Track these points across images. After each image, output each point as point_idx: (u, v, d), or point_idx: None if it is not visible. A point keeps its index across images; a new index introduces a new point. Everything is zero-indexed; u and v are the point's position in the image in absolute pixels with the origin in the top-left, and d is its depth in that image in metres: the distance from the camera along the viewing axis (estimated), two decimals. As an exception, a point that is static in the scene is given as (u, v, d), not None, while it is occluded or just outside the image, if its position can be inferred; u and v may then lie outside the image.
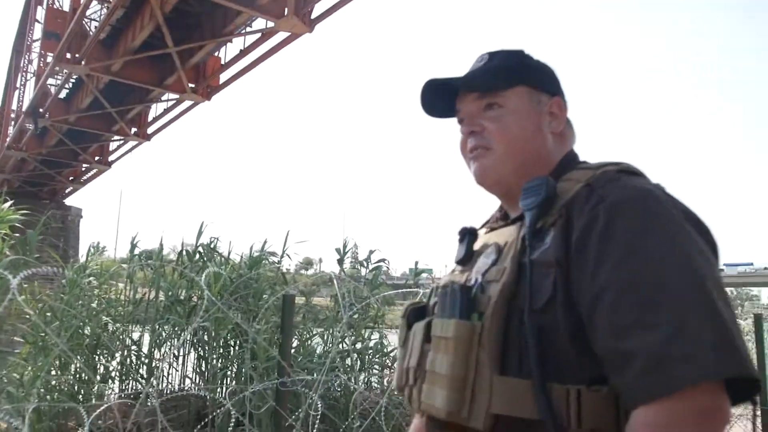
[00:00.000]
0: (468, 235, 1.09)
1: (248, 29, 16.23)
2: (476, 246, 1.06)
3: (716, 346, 0.71)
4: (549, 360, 0.80)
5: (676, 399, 0.70)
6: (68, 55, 17.17)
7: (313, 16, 14.42)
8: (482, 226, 1.12)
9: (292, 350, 4.57)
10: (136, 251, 6.25)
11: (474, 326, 0.86)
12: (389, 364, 5.31)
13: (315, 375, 3.45)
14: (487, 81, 1.04)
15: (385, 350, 5.44)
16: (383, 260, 6.43)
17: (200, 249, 5.76)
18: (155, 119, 23.06)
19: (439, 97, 1.09)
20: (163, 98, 20.81)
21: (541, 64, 1.10)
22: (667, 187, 0.95)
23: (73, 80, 21.25)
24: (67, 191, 32.37)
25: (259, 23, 15.55)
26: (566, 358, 0.80)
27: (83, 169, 29.54)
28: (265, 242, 6.10)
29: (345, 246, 6.17)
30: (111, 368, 5.09)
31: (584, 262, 0.81)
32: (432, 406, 0.89)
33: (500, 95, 1.03)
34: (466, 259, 1.06)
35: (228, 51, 18.31)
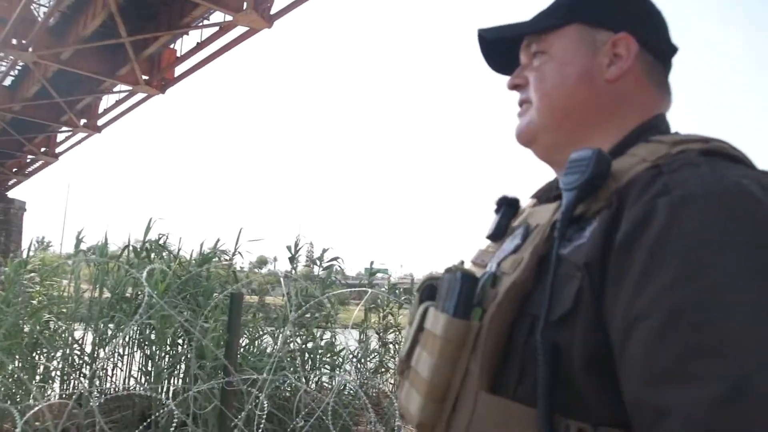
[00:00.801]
0: (506, 206, 0.90)
1: (206, 22, 15.93)
2: (517, 220, 0.87)
3: None
4: (557, 387, 0.62)
5: None
6: (14, 41, 16.49)
7: (272, 12, 14.28)
8: (533, 195, 0.91)
9: (242, 349, 4.52)
10: (83, 246, 6.07)
11: (469, 326, 0.69)
12: (340, 364, 5.30)
13: (263, 374, 3.41)
14: (531, 23, 0.86)
15: (335, 350, 5.43)
16: (336, 259, 6.43)
17: (147, 245, 5.62)
18: (106, 111, 22.39)
19: (503, 51, 0.92)
20: (115, 89, 20.22)
21: None
22: None
23: (19, 67, 20.43)
24: (10, 183, 31.08)
25: (218, 16, 15.29)
26: (578, 388, 0.62)
27: (28, 160, 28.44)
28: (218, 241, 6.02)
29: (297, 244, 6.14)
30: (52, 368, 4.92)
31: (625, 272, 0.60)
32: (407, 411, 0.77)
33: (545, 39, 0.84)
34: (497, 235, 0.87)
35: (184, 44, 17.93)
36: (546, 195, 0.86)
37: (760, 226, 0.57)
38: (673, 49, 0.86)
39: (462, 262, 0.88)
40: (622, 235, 0.62)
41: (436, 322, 0.73)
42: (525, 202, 0.93)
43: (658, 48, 0.84)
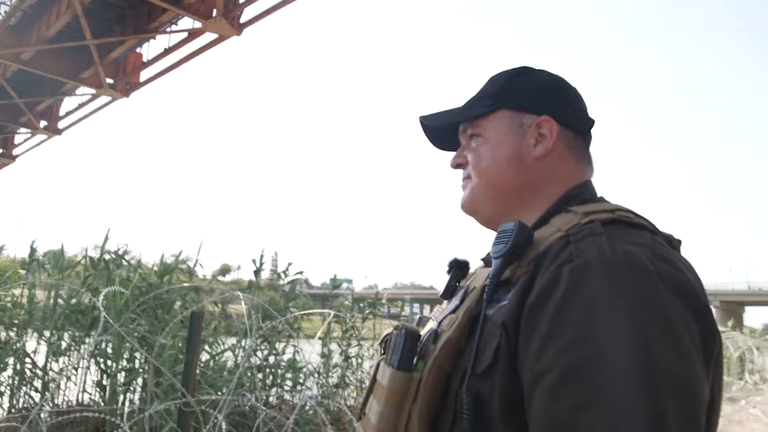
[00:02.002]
0: (456, 268, 1.00)
1: (174, 27, 15.73)
2: (465, 281, 0.97)
3: None
4: (481, 430, 0.71)
5: None
6: (-28, 39, 16.00)
7: (242, 20, 14.18)
8: (482, 258, 0.99)
9: (201, 364, 4.44)
10: (41, 251, 5.91)
11: (411, 378, 0.78)
12: (302, 381, 5.26)
13: (222, 392, 3.36)
14: (465, 111, 0.97)
15: (297, 366, 5.38)
16: (301, 272, 6.41)
17: (105, 256, 5.49)
18: (68, 113, 21.85)
19: (444, 130, 1.02)
20: (78, 92, 19.77)
21: (541, 78, 0.97)
22: (679, 242, 0.82)
23: (-23, 66, 19.81)
24: (-36, 184, 30.06)
25: (186, 23, 15.12)
26: (496, 430, 0.71)
27: (-16, 161, 27.53)
28: (180, 252, 5.93)
29: (262, 257, 6.08)
30: (1, 381, 4.75)
31: (533, 332, 0.69)
32: None
33: (479, 124, 0.95)
34: (447, 294, 0.98)
35: (151, 48, 17.66)
36: (489, 259, 0.92)
37: (641, 293, 0.67)
38: (591, 123, 0.97)
39: (421, 319, 0.95)
40: (532, 298, 0.72)
41: (384, 375, 0.81)
42: (476, 263, 1.01)
43: (576, 125, 0.95)
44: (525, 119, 0.92)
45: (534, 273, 0.74)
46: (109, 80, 17.89)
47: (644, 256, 0.70)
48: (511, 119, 0.93)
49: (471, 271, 1.00)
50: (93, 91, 18.58)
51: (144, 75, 18.24)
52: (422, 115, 1.04)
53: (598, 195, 0.92)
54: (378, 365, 0.87)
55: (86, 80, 17.96)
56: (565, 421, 0.64)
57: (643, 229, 0.77)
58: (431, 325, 0.89)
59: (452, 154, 1.03)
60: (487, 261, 0.95)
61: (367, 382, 0.92)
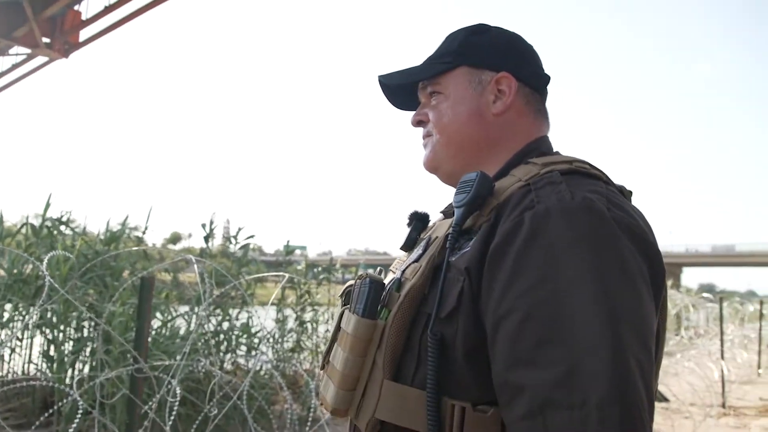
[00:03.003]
0: (416, 220, 1.03)
1: (114, -17, 14.93)
2: (426, 233, 1.00)
3: (607, 398, 0.62)
4: (444, 373, 0.74)
5: None
6: None
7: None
8: (442, 211, 1.02)
9: (153, 332, 4.38)
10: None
11: (376, 325, 0.81)
12: (255, 345, 5.24)
13: (176, 358, 3.32)
14: (425, 68, 0.99)
15: (251, 331, 5.36)
16: (251, 237, 6.34)
17: (48, 223, 5.28)
18: (2, 74, 20.63)
19: (402, 90, 1.04)
20: (12, 52, 18.64)
21: (497, 36, 0.98)
22: (630, 192, 0.86)
23: None
24: None
25: (127, -22, 14.36)
26: (460, 373, 0.74)
27: None
28: (127, 217, 5.75)
29: (212, 222, 5.97)
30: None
31: (495, 276, 0.73)
32: (324, 399, 0.87)
33: (439, 81, 0.97)
34: (408, 246, 1.01)
35: (90, 6, 16.73)
36: (450, 210, 0.95)
37: (599, 237, 0.71)
38: (547, 79, 1.00)
39: (382, 271, 1.00)
40: (495, 244, 0.75)
41: (349, 322, 0.84)
42: (435, 216, 1.04)
43: (533, 81, 0.98)
44: (484, 76, 0.95)
45: (496, 221, 0.78)
46: (46, 39, 16.92)
47: (601, 203, 0.74)
48: (470, 76, 0.95)
49: (431, 223, 1.03)
50: (28, 50, 17.55)
51: (84, 35, 17.32)
52: (381, 74, 1.04)
53: (554, 150, 0.96)
54: (342, 314, 0.90)
55: (20, 39, 16.92)
56: (527, 358, 0.67)
57: (598, 180, 0.81)
58: (393, 275, 0.92)
59: (410, 114, 1.04)
60: (447, 213, 0.98)
61: (323, 347, 0.94)
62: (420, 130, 1.03)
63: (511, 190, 0.80)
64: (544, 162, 0.84)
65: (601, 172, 0.84)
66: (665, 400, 6.57)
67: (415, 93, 1.03)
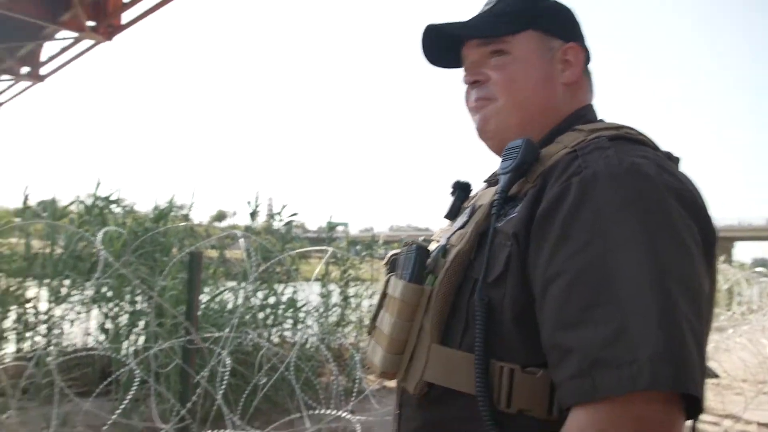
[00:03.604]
0: (459, 189, 1.03)
1: (154, -35, 15.10)
2: (469, 201, 0.99)
3: (657, 355, 0.62)
4: (492, 336, 0.75)
5: (608, 405, 0.64)
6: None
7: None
8: (485, 180, 1.01)
9: (202, 306, 4.51)
10: (33, 201, 5.85)
11: (423, 290, 0.82)
12: (302, 319, 5.34)
13: (225, 331, 3.42)
14: (491, 26, 0.94)
15: (297, 305, 5.46)
16: (295, 214, 6.43)
17: (99, 201, 5.45)
18: (50, 59, 21.24)
19: (443, 45, 0.99)
20: (59, 36, 19.15)
21: (558, 5, 0.98)
22: (678, 159, 0.84)
23: (-48, 11, 19.10)
24: (-51, 135, 29.50)
25: (167, -40, 14.49)
26: (509, 336, 0.75)
27: (-32, 110, 26.93)
28: (173, 196, 5.89)
29: (257, 200, 6.07)
30: (5, 327, 4.80)
31: (544, 240, 0.73)
32: (373, 363, 0.89)
33: (506, 41, 0.93)
34: (452, 215, 1.01)
35: (132, -12, 16.97)
36: (493, 179, 0.96)
37: (648, 199, 0.71)
38: (590, 54, 1.00)
39: (426, 240, 0.99)
40: (542, 209, 0.75)
41: (396, 288, 0.86)
42: (478, 186, 1.03)
43: (588, 52, 0.98)
44: (554, 43, 0.94)
45: (542, 186, 0.78)
46: (91, 23, 17.30)
47: (649, 168, 0.74)
48: (541, 42, 0.93)
49: (473, 192, 1.03)
50: (74, 34, 18.00)
51: (126, 17, 17.63)
52: (432, 23, 0.98)
53: (598, 118, 0.95)
54: (387, 280, 0.92)
55: (66, 23, 17.31)
56: (575, 320, 0.68)
57: (646, 145, 0.81)
58: (438, 244, 0.92)
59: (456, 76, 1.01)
60: (490, 182, 0.98)
61: (367, 321, 0.96)
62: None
63: (558, 157, 0.80)
64: (591, 128, 0.84)
65: (648, 138, 0.84)
66: (716, 376, 6.41)
67: (457, 50, 0.99)
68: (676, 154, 0.86)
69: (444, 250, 0.86)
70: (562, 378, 0.68)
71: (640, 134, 0.83)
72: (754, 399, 5.57)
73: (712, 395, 5.58)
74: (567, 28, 0.96)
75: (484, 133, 0.97)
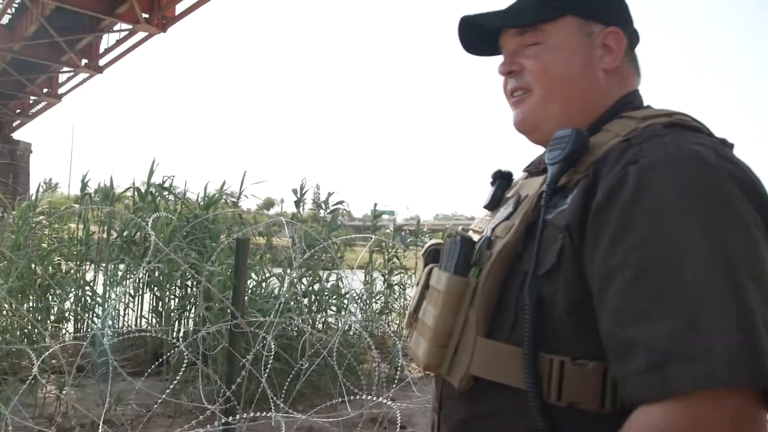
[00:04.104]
0: (500, 179, 1.00)
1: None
2: (510, 191, 0.97)
3: (733, 348, 0.60)
4: (542, 329, 0.73)
5: (680, 402, 0.61)
6: (9, -23, 16.02)
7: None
8: (525, 169, 0.99)
9: (249, 291, 4.61)
10: (89, 189, 6.11)
11: (468, 282, 0.80)
12: (345, 305, 5.41)
13: (270, 316, 3.50)
14: (526, 13, 0.91)
15: (341, 291, 5.52)
16: (341, 202, 6.47)
17: (152, 188, 5.64)
18: (107, 50, 21.95)
19: (482, 35, 0.97)
20: (116, 28, 19.76)
21: None
22: (733, 145, 0.79)
23: (16, 5, 19.94)
24: (14, 125, 30.94)
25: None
26: (560, 329, 0.73)
27: (31, 101, 28.18)
28: (224, 183, 6.03)
29: (303, 187, 6.14)
30: (65, 309, 5.05)
31: (601, 232, 0.70)
32: (416, 355, 0.88)
33: (542, 28, 0.90)
34: (492, 204, 0.98)
35: (184, -21, 17.36)
36: (535, 168, 0.93)
37: (711, 187, 0.68)
38: (637, 33, 0.95)
39: (465, 230, 0.97)
40: (598, 200, 0.72)
41: (440, 280, 0.84)
42: (518, 174, 1.00)
43: (633, 36, 0.94)
44: (595, 28, 0.90)
45: (595, 177, 0.75)
46: (145, 15, 17.79)
47: (709, 154, 0.71)
48: (579, 27, 0.89)
49: (514, 181, 1.00)
50: (130, 26, 18.54)
51: (179, 8, 18.04)
52: (467, 15, 0.96)
53: (645, 104, 0.91)
54: (429, 272, 0.90)
55: (122, 16, 17.89)
56: (641, 314, 0.65)
57: (701, 132, 0.78)
58: (481, 235, 0.89)
59: (493, 62, 0.98)
60: (530, 171, 0.95)
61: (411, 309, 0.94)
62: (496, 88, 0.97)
63: (609, 146, 0.77)
64: (643, 116, 0.80)
65: (702, 124, 0.80)
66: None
67: (495, 38, 0.96)
68: (730, 140, 0.82)
69: (489, 242, 0.83)
70: (627, 373, 0.65)
71: (695, 120, 0.80)
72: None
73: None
74: (609, 12, 0.91)
75: (522, 128, 0.95)
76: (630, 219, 0.68)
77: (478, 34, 0.98)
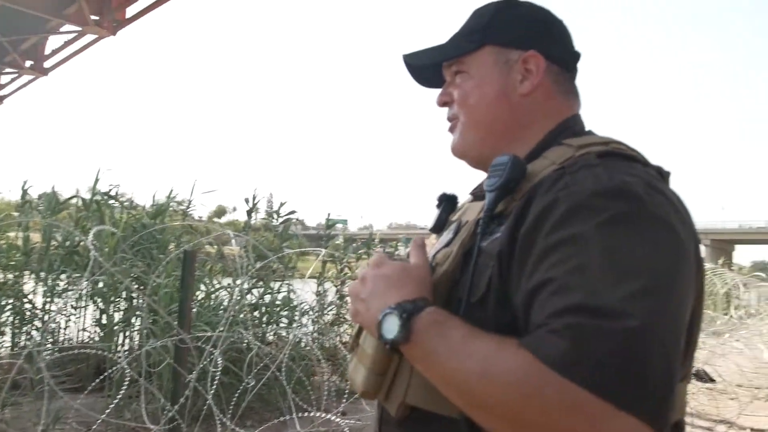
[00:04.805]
0: (446, 202, 1.01)
1: (158, -40, 15.06)
2: (455, 214, 0.98)
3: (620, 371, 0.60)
4: None
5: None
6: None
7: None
8: (471, 192, 1.00)
9: (197, 304, 4.52)
10: (33, 194, 5.88)
11: None
12: (296, 318, 5.35)
13: (218, 329, 3.43)
14: (452, 47, 0.96)
15: (292, 304, 5.46)
16: (293, 212, 6.44)
17: (97, 197, 5.46)
18: (54, 52, 21.19)
19: (428, 67, 1.00)
20: (63, 30, 19.11)
21: (524, 13, 0.95)
22: (668, 173, 0.82)
23: (-44, 2, 19.07)
24: (-48, 126, 29.48)
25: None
26: None
27: (-29, 102, 26.90)
28: (171, 191, 5.90)
29: (255, 197, 6.07)
30: (1, 321, 4.82)
31: (527, 257, 0.71)
32: (354, 382, 0.88)
33: (464, 60, 0.94)
34: (437, 227, 0.99)
35: (136, -18, 16.93)
36: (479, 192, 0.94)
37: (636, 219, 0.69)
38: (577, 56, 0.96)
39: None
40: (526, 226, 0.73)
41: None
42: (464, 197, 1.02)
43: (562, 59, 0.94)
44: (511, 55, 0.91)
45: (528, 203, 0.75)
46: (95, 17, 17.27)
47: (638, 186, 0.71)
48: (497, 55, 0.92)
49: (460, 204, 1.02)
50: (78, 28, 17.97)
51: (130, 11, 17.61)
52: (406, 53, 1.01)
53: (586, 128, 0.92)
54: None
55: (70, 17, 17.30)
56: (567, 325, 0.63)
57: (636, 161, 0.79)
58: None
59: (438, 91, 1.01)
60: (476, 195, 0.96)
61: None
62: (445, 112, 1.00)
63: (545, 174, 0.78)
64: (580, 144, 0.81)
65: (638, 153, 0.82)
66: (711, 380, 6.41)
67: (441, 70, 1.00)
68: (666, 168, 0.84)
69: (431, 269, 0.84)
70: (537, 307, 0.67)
71: (630, 149, 0.82)
72: (748, 405, 5.57)
73: (706, 400, 5.58)
74: (529, 38, 0.92)
75: (454, 154, 0.98)
76: (554, 245, 0.69)
77: (424, 68, 1.01)
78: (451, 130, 0.97)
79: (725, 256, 19.51)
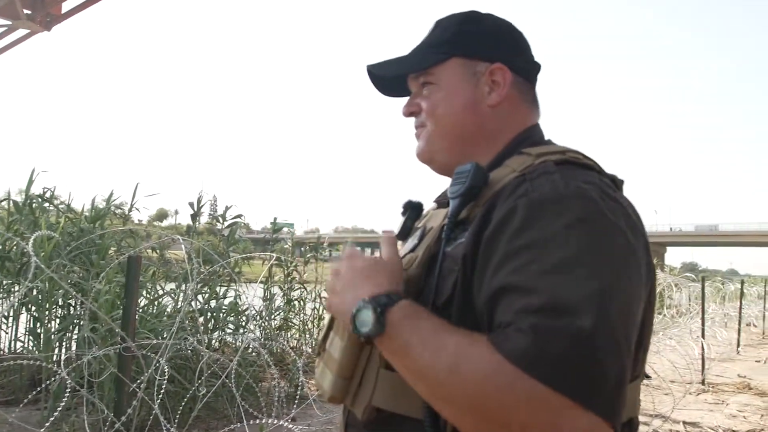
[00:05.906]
0: (411, 209, 1.01)
1: (96, -46, 14.52)
2: (420, 222, 1.00)
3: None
4: None
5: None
6: None
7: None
8: (435, 200, 1.03)
9: (140, 310, 4.37)
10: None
11: None
12: (243, 323, 5.25)
13: (163, 336, 3.33)
14: (418, 59, 0.98)
15: (239, 309, 5.36)
16: (239, 216, 6.32)
17: (31, 199, 5.20)
18: (-19, 46, 20.05)
19: (391, 77, 1.02)
20: (-9, 23, 18.13)
21: (489, 26, 0.98)
22: (622, 181, 0.87)
23: None
24: None
25: (109, -51, 13.96)
26: None
27: None
28: (111, 194, 5.69)
29: (200, 200, 5.93)
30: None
31: (488, 261, 0.73)
32: (321, 387, 0.89)
33: (432, 72, 0.96)
34: (402, 235, 1.00)
35: (72, -24, 16.27)
36: (443, 200, 0.97)
37: (591, 224, 0.72)
38: (538, 68, 1.01)
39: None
40: (489, 231, 0.75)
41: None
42: (429, 205, 1.04)
43: (525, 70, 0.98)
44: (478, 67, 0.95)
45: (490, 208, 0.78)
46: (27, 11, 16.49)
47: (594, 193, 0.75)
48: (464, 67, 0.95)
49: (425, 212, 1.03)
50: (9, 22, 17.10)
51: (66, 6, 16.89)
52: (370, 64, 1.02)
53: (546, 138, 0.97)
54: None
55: (0, 10, 16.48)
56: (530, 325, 0.64)
57: (591, 170, 0.83)
58: None
59: (401, 100, 1.03)
60: (440, 202, 0.99)
61: (310, 324, 0.93)
62: (412, 120, 1.02)
63: (506, 181, 0.81)
64: (539, 152, 0.85)
65: (593, 161, 0.85)
66: (647, 377, 6.66)
67: (405, 80, 1.02)
68: (620, 176, 0.89)
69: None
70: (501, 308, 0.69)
71: (586, 158, 0.85)
72: (681, 399, 5.84)
73: (642, 395, 5.79)
74: (494, 49, 0.95)
75: (420, 159, 1.00)
76: (515, 247, 0.71)
77: (387, 79, 1.03)
78: (418, 136, 1.00)
79: (658, 258, 20.44)
